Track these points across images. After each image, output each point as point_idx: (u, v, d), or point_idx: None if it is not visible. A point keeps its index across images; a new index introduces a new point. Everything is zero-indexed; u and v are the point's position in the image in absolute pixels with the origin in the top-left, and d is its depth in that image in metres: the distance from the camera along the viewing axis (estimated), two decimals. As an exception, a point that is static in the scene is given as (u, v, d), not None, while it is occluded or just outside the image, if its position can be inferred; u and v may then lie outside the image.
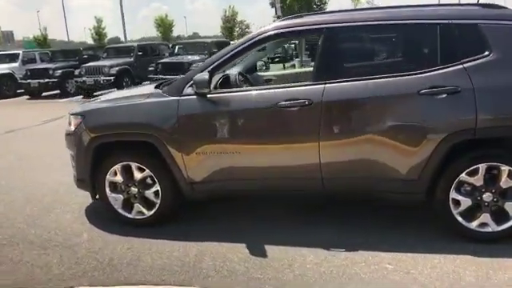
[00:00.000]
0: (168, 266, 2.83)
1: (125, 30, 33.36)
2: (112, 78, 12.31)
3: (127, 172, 3.34)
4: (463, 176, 2.76)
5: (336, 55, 2.86)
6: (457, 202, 2.82)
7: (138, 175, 3.30)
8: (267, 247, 2.97)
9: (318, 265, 2.73)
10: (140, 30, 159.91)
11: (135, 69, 13.03)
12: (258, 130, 3.00)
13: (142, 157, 3.28)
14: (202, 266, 2.80)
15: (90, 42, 49.49)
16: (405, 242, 2.93)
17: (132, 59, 13.16)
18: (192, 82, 3.07)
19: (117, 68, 12.53)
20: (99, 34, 47.10)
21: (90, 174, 3.41)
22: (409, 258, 2.74)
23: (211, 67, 3.07)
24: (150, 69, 12.35)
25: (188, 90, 3.11)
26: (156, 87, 3.49)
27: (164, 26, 46.50)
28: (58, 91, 13.75)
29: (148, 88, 3.77)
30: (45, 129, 8.32)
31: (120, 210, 3.42)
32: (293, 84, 3.00)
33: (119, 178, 3.35)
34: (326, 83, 2.83)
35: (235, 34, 40.57)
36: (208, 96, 3.02)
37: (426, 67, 2.71)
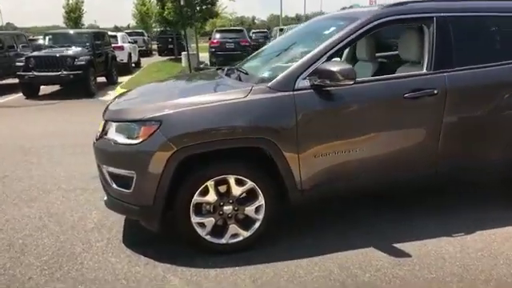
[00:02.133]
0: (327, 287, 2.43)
1: None
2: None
3: (220, 188, 2.68)
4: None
5: (452, 44, 2.87)
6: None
7: (237, 190, 2.68)
8: (398, 246, 2.83)
9: (465, 252, 2.75)
10: None
11: (-10, 65, 10.24)
12: (383, 124, 2.80)
13: (244, 167, 2.67)
14: (364, 280, 2.49)
15: None
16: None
17: (-17, 53, 10.26)
18: (307, 73, 2.65)
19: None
20: None
21: (166, 198, 2.60)
22: (515, 230, 3.03)
23: (326, 56, 2.71)
24: (19, 64, 9.82)
25: (302, 83, 2.67)
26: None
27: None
28: None
29: (223, 81, 3.07)
30: None
31: (208, 237, 2.73)
32: (413, 73, 2.89)
33: (211, 197, 2.65)
34: (445, 72, 2.85)
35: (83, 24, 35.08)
36: (330, 89, 2.67)
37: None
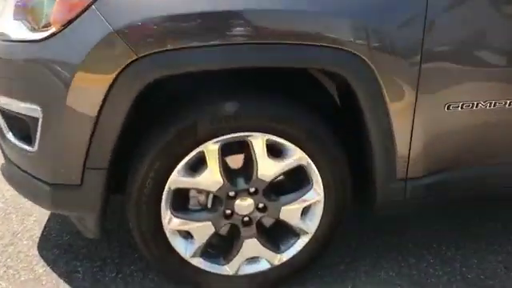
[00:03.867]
0: None
1: None
2: None
3: (230, 160, 1.22)
4: None
5: None
6: None
7: (268, 167, 1.21)
8: None
9: None
10: None
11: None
12: None
13: (290, 117, 1.19)
14: None
15: None
16: None
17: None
18: None
19: None
20: None
21: (110, 170, 1.14)
22: None
23: None
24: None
25: None
26: None
27: None
28: None
29: None
30: None
31: (195, 261, 1.28)
32: None
33: (211, 178, 1.19)
34: None
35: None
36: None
37: None
